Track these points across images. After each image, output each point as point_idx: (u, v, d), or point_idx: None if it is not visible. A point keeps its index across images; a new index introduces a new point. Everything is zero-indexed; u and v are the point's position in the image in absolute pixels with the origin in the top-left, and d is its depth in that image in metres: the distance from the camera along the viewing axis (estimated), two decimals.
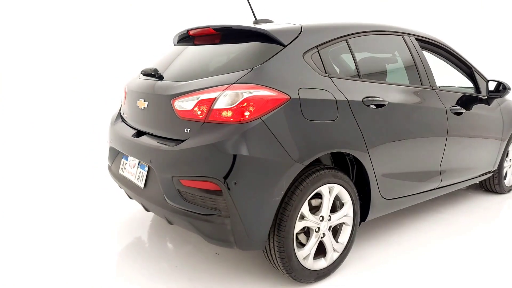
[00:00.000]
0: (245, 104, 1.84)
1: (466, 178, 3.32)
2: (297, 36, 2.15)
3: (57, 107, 6.62)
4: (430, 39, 3.02)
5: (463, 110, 3.00)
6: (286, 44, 2.09)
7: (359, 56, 2.48)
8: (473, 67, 3.38)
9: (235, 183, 1.80)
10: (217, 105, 1.87)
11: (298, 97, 1.96)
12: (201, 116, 1.91)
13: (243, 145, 1.81)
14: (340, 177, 2.17)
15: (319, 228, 2.13)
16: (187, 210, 1.92)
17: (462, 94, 3.18)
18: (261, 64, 1.98)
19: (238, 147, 1.81)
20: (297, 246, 2.08)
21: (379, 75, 2.63)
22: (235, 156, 1.80)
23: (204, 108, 1.91)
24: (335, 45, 2.32)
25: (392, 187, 2.51)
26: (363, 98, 2.25)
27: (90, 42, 6.82)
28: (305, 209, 2.04)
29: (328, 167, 2.14)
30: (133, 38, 7.07)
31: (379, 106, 2.33)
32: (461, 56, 3.29)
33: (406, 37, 2.80)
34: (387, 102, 2.37)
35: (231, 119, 1.84)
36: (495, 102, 3.48)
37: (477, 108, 3.27)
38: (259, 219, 1.88)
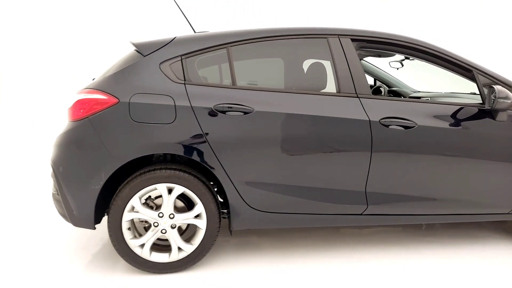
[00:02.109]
0: (77, 105, 2.26)
1: (447, 213, 2.59)
2: (160, 48, 2.38)
3: (57, 107, 6.45)
4: (385, 39, 2.55)
5: (414, 124, 2.40)
6: (145, 55, 2.36)
7: (240, 63, 2.45)
8: (475, 69, 2.59)
9: (61, 169, 2.25)
10: (69, 106, 2.36)
11: (128, 101, 2.22)
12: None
13: (68, 139, 2.27)
14: (183, 178, 2.27)
15: (157, 223, 2.30)
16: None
17: (436, 105, 2.54)
18: (114, 72, 2.34)
19: (64, 140, 2.28)
20: (133, 234, 2.32)
21: (266, 82, 2.48)
22: (62, 147, 2.28)
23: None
24: (209, 53, 2.40)
25: (268, 199, 2.35)
26: (215, 105, 2.26)
27: (90, 42, 6.80)
28: (135, 202, 2.26)
29: (170, 167, 2.28)
30: (133, 38, 7.12)
31: (246, 112, 2.28)
32: (449, 56, 2.58)
33: (332, 39, 2.50)
34: (254, 110, 2.28)
35: (71, 118, 2.30)
36: None
37: (467, 123, 2.51)
38: (81, 203, 2.26)
